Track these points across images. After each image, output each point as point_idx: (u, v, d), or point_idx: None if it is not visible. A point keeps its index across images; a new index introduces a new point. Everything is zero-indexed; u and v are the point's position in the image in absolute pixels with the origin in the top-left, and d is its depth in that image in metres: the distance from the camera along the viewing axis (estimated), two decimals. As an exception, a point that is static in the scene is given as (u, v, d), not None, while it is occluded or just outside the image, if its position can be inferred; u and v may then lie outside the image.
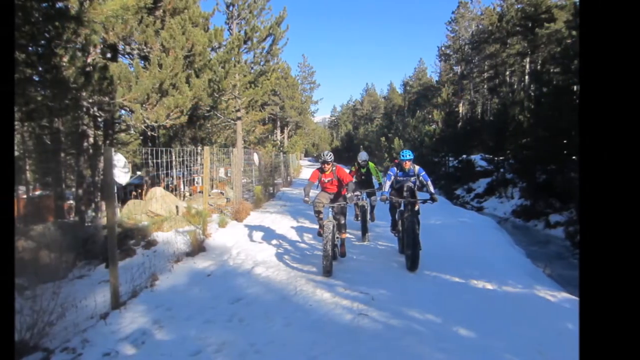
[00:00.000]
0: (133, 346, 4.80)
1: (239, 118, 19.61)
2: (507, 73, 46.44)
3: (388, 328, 5.29)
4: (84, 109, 11.08)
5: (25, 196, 20.56)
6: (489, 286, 7.07)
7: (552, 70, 25.26)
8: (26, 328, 4.48)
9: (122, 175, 11.24)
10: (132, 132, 17.74)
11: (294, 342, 4.93)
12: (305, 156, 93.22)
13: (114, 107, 11.17)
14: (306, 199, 8.21)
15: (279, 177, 26.11)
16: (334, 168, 8.44)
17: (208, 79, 15.67)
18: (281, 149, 42.56)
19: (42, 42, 8.16)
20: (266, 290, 6.78)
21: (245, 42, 18.38)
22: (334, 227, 7.77)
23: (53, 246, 7.87)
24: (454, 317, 5.61)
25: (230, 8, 20.07)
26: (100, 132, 14.66)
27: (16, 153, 17.63)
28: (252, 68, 19.61)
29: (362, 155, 11.56)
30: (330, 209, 8.04)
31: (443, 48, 60.23)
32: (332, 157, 8.38)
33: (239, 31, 19.19)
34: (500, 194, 27.09)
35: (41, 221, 11.15)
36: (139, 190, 14.69)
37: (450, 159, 36.61)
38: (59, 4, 7.67)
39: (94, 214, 13.12)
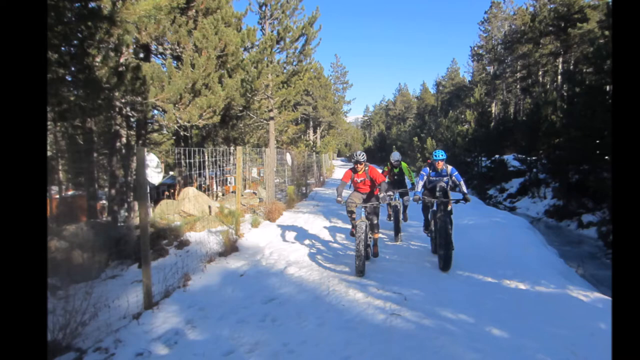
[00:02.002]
0: (166, 346, 4.80)
1: (271, 118, 19.62)
2: (540, 73, 45.83)
3: (421, 328, 5.25)
4: (117, 109, 11.17)
5: (57, 196, 20.82)
6: (522, 286, 7.00)
7: (584, 70, 25.00)
8: (59, 328, 4.50)
9: (154, 175, 11.31)
10: (165, 132, 17.92)
11: (327, 341, 4.92)
12: (338, 156, 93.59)
13: (146, 107, 11.23)
14: (339, 199, 8.17)
15: (311, 177, 26.11)
16: (367, 168, 8.38)
17: (241, 79, 15.73)
18: (314, 149, 42.45)
19: (75, 42, 8.20)
20: (299, 290, 6.76)
21: (277, 42, 18.37)
22: (366, 227, 7.72)
23: (86, 246, 7.94)
24: (487, 317, 5.58)
25: (263, 8, 20.09)
26: (132, 132, 14.81)
27: (49, 153, 17.93)
28: (284, 68, 19.58)
29: (395, 156, 11.51)
30: (363, 209, 8.00)
31: (476, 48, 59.79)
32: (365, 157, 8.32)
33: (272, 31, 19.19)
34: (533, 194, 26.79)
35: (74, 221, 11.28)
36: (172, 190, 14.81)
37: (483, 159, 36.27)
38: (92, 4, 7.70)
39: (126, 214, 13.24)
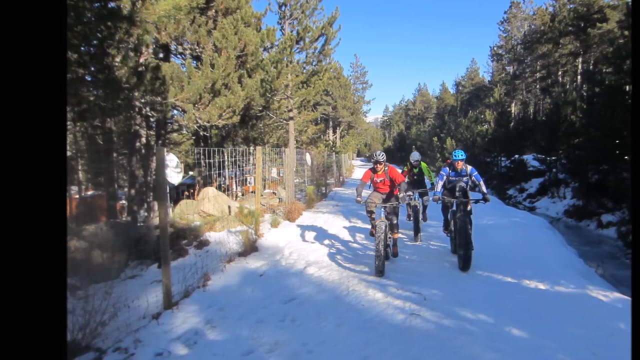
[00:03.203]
0: (185, 346, 4.80)
1: (291, 118, 19.60)
2: (560, 73, 45.50)
3: (440, 328, 5.25)
4: (136, 109, 11.22)
5: (77, 196, 20.95)
6: (542, 286, 6.99)
7: (604, 70, 24.82)
8: (78, 328, 4.52)
9: (174, 175, 11.37)
10: (185, 132, 17.99)
11: (346, 342, 4.92)
12: (358, 156, 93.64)
13: (166, 107, 11.27)
14: (358, 199, 8.19)
15: (331, 177, 26.22)
16: (387, 168, 8.36)
17: (260, 79, 15.73)
18: (333, 149, 42.39)
19: (94, 42, 8.24)
20: (318, 290, 6.77)
21: (297, 42, 18.31)
22: (386, 227, 7.68)
23: (105, 246, 7.98)
24: (507, 317, 5.58)
25: (283, 8, 20.07)
26: (152, 132, 14.86)
27: (68, 153, 18.06)
28: (304, 68, 19.51)
29: (414, 156, 11.49)
30: (382, 209, 7.96)
31: (495, 48, 59.49)
32: (385, 157, 8.31)
33: (291, 31, 19.13)
34: (553, 194, 26.59)
35: (93, 221, 11.34)
36: (192, 190, 14.86)
37: (503, 159, 36.07)
38: (111, 4, 7.74)
39: (146, 214, 13.28)
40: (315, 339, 4.96)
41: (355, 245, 10.20)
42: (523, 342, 4.83)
